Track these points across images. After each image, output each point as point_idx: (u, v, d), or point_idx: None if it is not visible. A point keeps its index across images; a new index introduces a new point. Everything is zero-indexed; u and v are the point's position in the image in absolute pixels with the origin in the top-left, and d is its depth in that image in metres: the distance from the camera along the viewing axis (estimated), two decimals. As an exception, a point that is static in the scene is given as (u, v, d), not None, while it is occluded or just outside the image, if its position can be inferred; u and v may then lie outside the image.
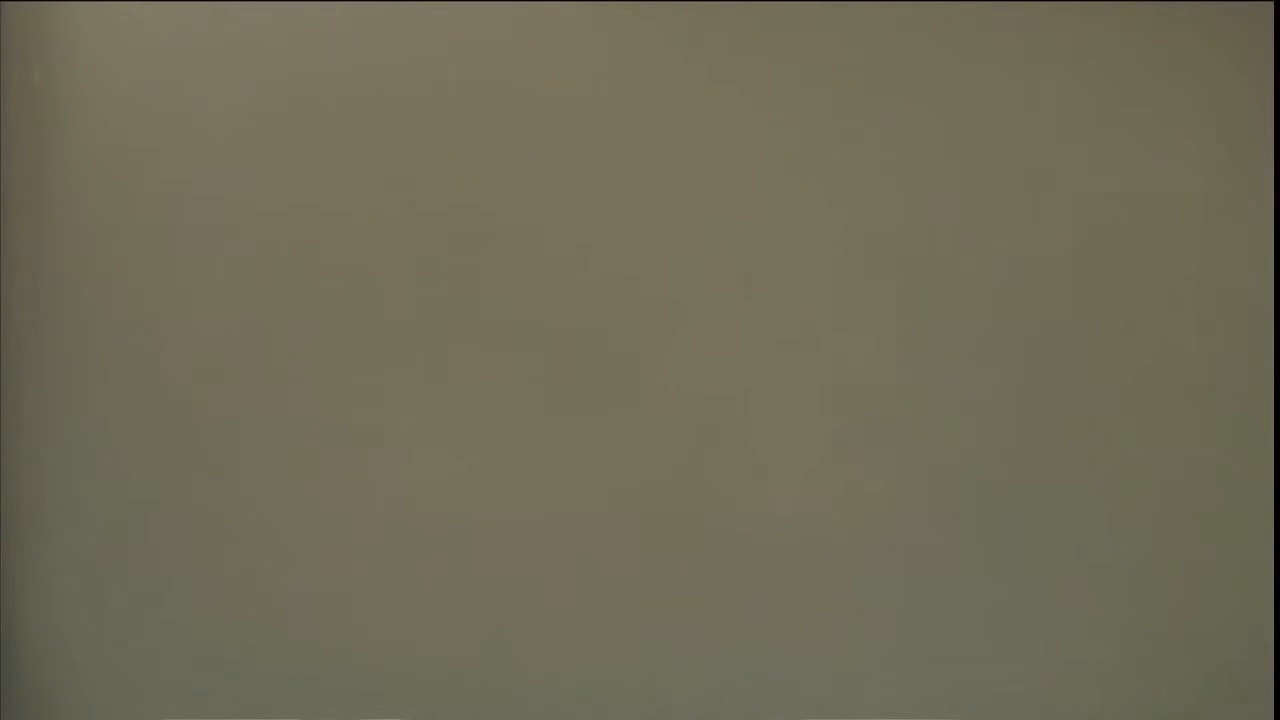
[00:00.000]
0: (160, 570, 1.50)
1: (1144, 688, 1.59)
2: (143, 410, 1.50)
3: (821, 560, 1.57)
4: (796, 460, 1.57)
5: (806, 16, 1.57)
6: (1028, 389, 1.59)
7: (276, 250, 1.51)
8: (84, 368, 1.49)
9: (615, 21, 1.55)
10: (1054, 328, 1.60)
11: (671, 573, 1.55)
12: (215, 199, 1.51)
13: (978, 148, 1.60)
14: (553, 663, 1.54)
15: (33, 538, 1.49)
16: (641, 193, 1.56)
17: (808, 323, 1.57)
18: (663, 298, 1.56)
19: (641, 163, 1.56)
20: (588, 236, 1.55)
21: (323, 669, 1.52)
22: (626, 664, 1.55)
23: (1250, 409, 1.61)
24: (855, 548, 1.57)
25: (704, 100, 1.57)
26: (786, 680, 1.56)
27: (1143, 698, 1.59)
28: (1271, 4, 1.62)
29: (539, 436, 1.54)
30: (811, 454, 1.57)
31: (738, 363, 1.56)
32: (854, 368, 1.58)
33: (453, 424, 1.53)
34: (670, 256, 1.56)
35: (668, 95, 1.56)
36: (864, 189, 1.58)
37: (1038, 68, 1.60)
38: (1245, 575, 1.60)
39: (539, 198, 1.54)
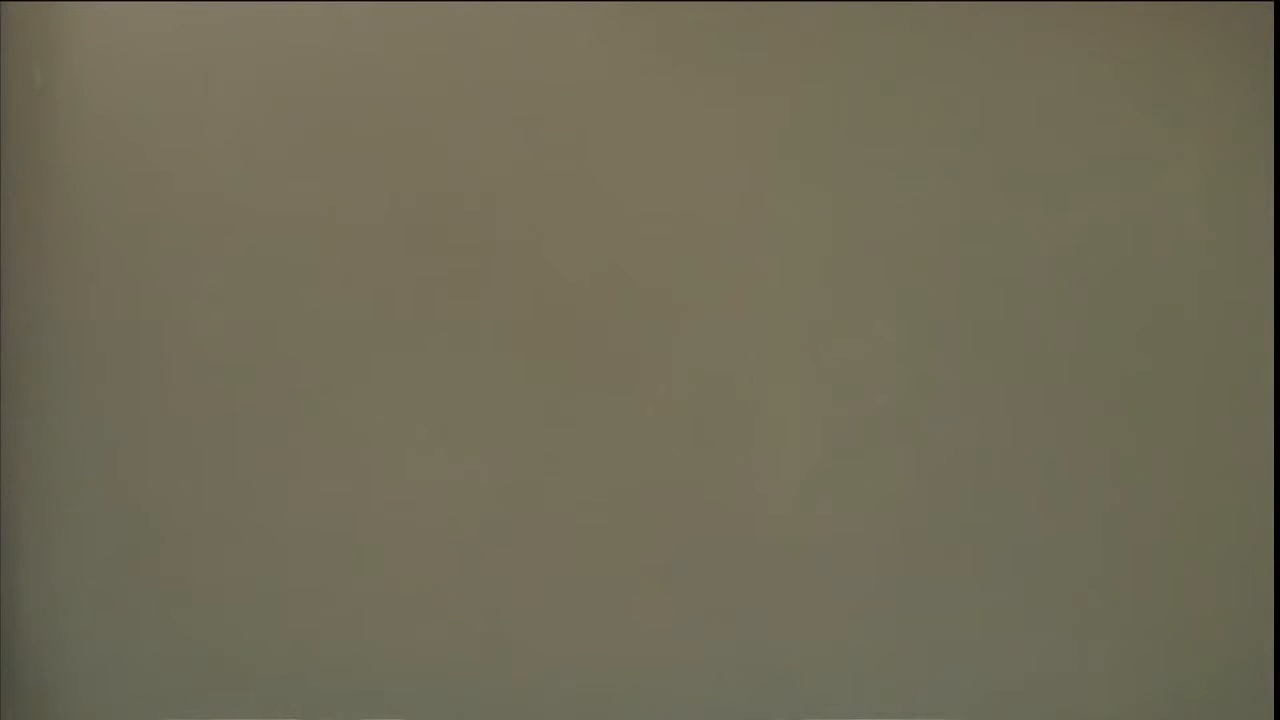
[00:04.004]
0: (161, 570, 1.50)
1: (1144, 688, 1.59)
2: (143, 410, 1.50)
3: (821, 560, 1.57)
4: (796, 459, 1.57)
5: (806, 16, 1.57)
6: (1027, 389, 1.59)
7: (276, 250, 1.52)
8: (84, 368, 1.49)
9: (615, 21, 1.55)
10: (1053, 327, 1.60)
11: (671, 572, 1.55)
12: (215, 199, 1.51)
13: (978, 147, 1.60)
14: (552, 663, 1.54)
15: (33, 538, 1.49)
16: (641, 192, 1.56)
17: (808, 322, 1.57)
18: (663, 297, 1.56)
19: (641, 162, 1.56)
20: (587, 236, 1.55)
21: (323, 669, 1.52)
22: (626, 664, 1.55)
23: (1250, 409, 1.61)
24: (855, 547, 1.57)
25: (704, 99, 1.57)
26: (786, 680, 1.56)
27: (1143, 698, 1.59)
28: (1271, 4, 1.62)
29: (538, 436, 1.54)
30: (811, 453, 1.57)
31: (737, 362, 1.56)
32: (853, 367, 1.58)
33: (453, 424, 1.53)
34: (670, 256, 1.56)
35: (668, 94, 1.56)
36: (865, 188, 1.58)
37: (1038, 67, 1.60)
38: (1245, 575, 1.60)
39: (538, 198, 1.55)
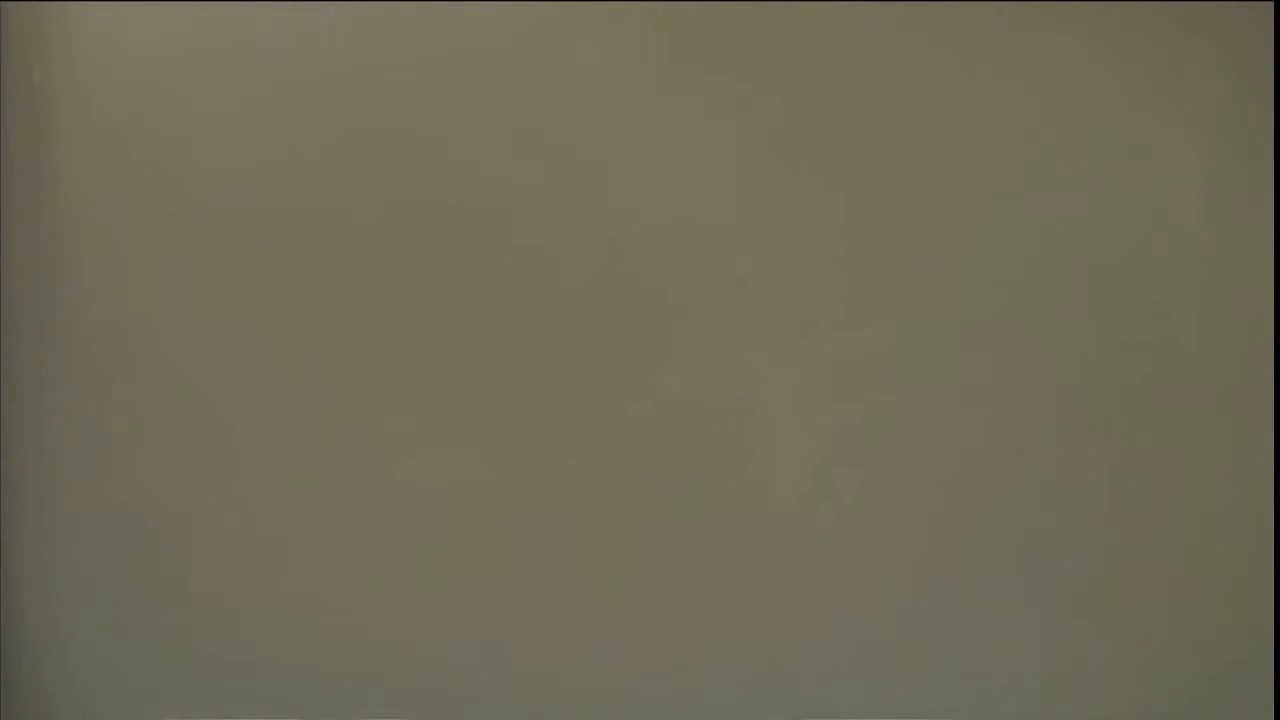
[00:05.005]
0: (160, 571, 1.50)
1: (1144, 688, 1.59)
2: (142, 410, 1.50)
3: (822, 560, 1.57)
4: (797, 459, 1.57)
5: (807, 16, 1.57)
6: (1028, 389, 1.59)
7: (275, 250, 1.51)
8: (84, 368, 1.49)
9: (615, 20, 1.55)
10: (1053, 327, 1.59)
11: (672, 573, 1.55)
12: (215, 199, 1.51)
13: (978, 148, 1.60)
14: (552, 663, 1.54)
15: (33, 538, 1.49)
16: (642, 192, 1.56)
17: (809, 322, 1.57)
18: (663, 297, 1.56)
19: (642, 161, 1.56)
20: (588, 236, 1.55)
21: (323, 669, 1.51)
22: (626, 664, 1.55)
23: (1250, 409, 1.61)
24: (856, 547, 1.57)
25: (704, 99, 1.57)
26: (787, 680, 1.56)
27: (1143, 698, 1.59)
28: (1271, 4, 1.62)
29: (539, 436, 1.54)
30: (812, 453, 1.57)
31: (738, 362, 1.56)
32: (854, 367, 1.58)
33: (453, 424, 1.53)
34: (671, 255, 1.56)
35: (669, 94, 1.56)
36: (865, 188, 1.58)
37: (1038, 67, 1.60)
38: (1245, 575, 1.60)
39: (538, 198, 1.54)
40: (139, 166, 1.50)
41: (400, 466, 1.53)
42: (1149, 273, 1.61)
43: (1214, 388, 1.61)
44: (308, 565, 1.51)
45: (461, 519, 1.53)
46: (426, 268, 1.53)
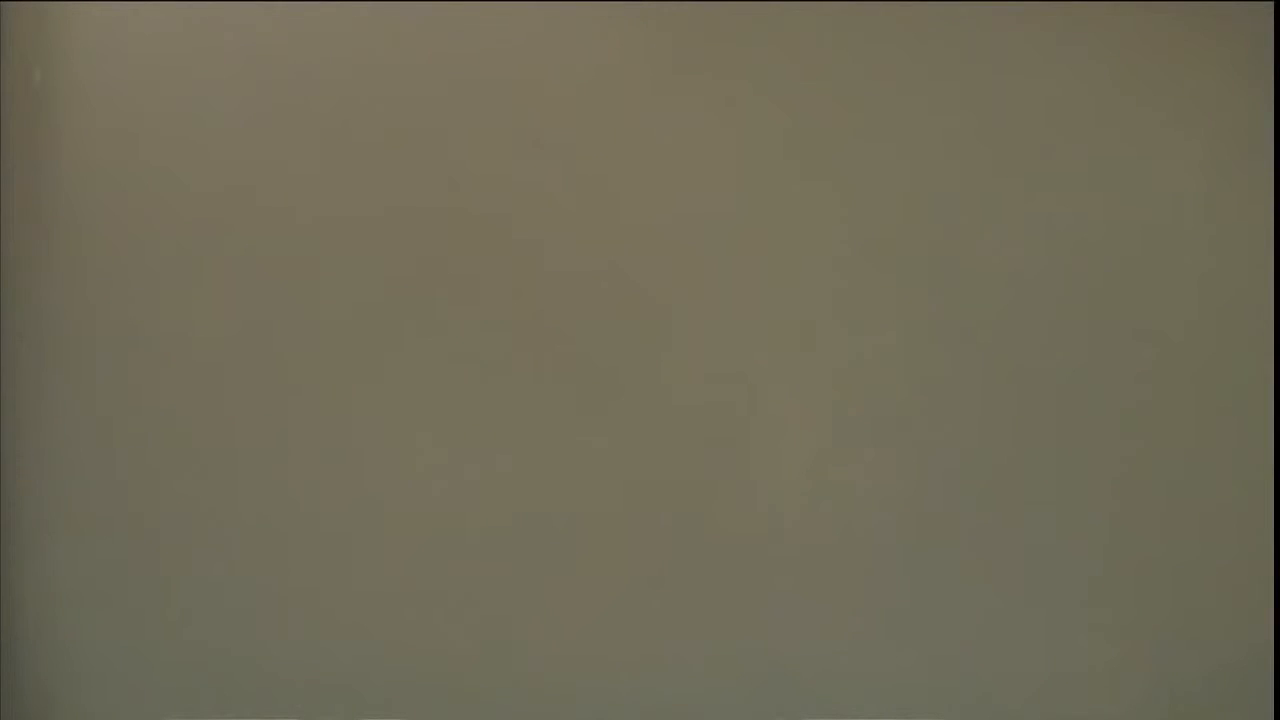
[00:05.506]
0: (160, 570, 1.50)
1: (1144, 688, 1.59)
2: (142, 410, 1.50)
3: (822, 561, 1.57)
4: (798, 460, 1.57)
5: (807, 16, 1.57)
6: (1028, 389, 1.59)
7: (276, 250, 1.52)
8: (84, 368, 1.49)
9: (615, 20, 1.55)
10: (1054, 328, 1.60)
11: (672, 573, 1.55)
12: (215, 199, 1.51)
13: (978, 148, 1.60)
14: (552, 663, 1.54)
15: (33, 538, 1.49)
16: (643, 193, 1.56)
17: (808, 322, 1.57)
18: (665, 298, 1.56)
19: (643, 162, 1.56)
20: (588, 237, 1.55)
21: (323, 669, 1.52)
22: (626, 664, 1.55)
23: (1250, 409, 1.61)
24: (856, 549, 1.57)
25: (705, 99, 1.57)
26: (786, 680, 1.56)
27: (1143, 698, 1.59)
28: (1271, 4, 1.62)
29: (539, 437, 1.54)
30: (813, 454, 1.57)
31: (739, 363, 1.56)
32: (854, 367, 1.58)
33: (453, 424, 1.53)
34: (671, 256, 1.56)
35: (669, 95, 1.56)
36: (864, 188, 1.58)
37: (1038, 67, 1.60)
38: (1245, 575, 1.60)
39: (538, 198, 1.54)
40: (139, 166, 1.50)
41: (400, 466, 1.53)
42: (1149, 272, 1.61)
43: (1214, 388, 1.61)
44: (308, 565, 1.51)
45: (461, 519, 1.53)
46: (427, 268, 1.53)
